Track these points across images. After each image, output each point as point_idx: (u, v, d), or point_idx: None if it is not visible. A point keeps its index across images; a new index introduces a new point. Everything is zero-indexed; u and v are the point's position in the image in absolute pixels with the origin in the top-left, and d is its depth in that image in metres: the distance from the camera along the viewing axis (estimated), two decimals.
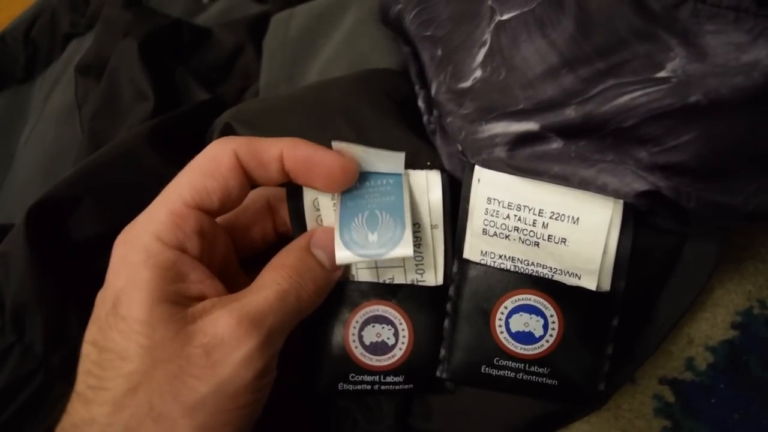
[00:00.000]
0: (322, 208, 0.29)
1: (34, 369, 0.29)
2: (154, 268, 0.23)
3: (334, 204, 0.29)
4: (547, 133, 0.27)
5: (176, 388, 0.22)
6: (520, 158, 0.27)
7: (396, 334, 0.29)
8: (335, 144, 0.27)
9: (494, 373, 0.29)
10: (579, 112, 0.26)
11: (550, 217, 0.28)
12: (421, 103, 0.33)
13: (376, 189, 0.28)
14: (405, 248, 0.27)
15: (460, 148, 0.29)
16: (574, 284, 0.28)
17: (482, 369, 0.29)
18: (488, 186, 0.28)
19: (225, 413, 0.23)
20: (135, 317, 0.22)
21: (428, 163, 0.30)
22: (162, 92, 0.41)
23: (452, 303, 0.29)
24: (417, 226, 0.29)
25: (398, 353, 0.29)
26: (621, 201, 0.27)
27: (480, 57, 0.28)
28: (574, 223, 0.28)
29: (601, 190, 0.26)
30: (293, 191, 0.29)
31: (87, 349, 0.24)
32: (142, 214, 0.25)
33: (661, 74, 0.24)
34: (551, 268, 0.29)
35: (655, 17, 0.24)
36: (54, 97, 0.50)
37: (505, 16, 0.27)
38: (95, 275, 0.31)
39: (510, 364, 0.28)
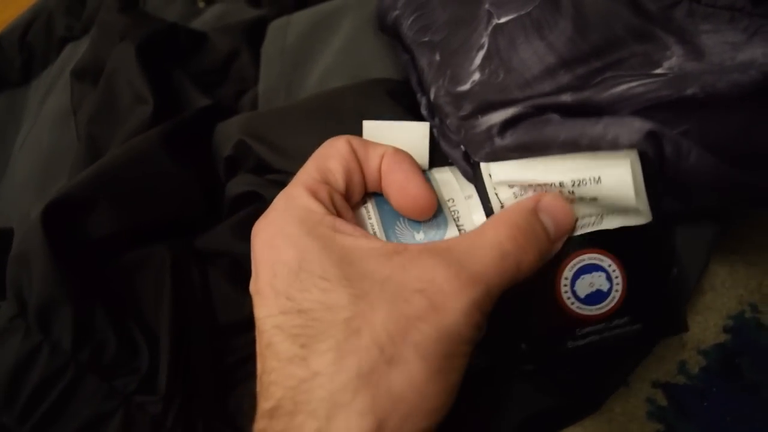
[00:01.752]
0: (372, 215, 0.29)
1: (63, 365, 0.29)
2: (320, 227, 0.24)
3: (371, 223, 0.29)
4: (543, 111, 0.27)
5: (405, 330, 0.21)
6: (522, 133, 0.27)
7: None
8: (366, 123, 0.30)
9: (581, 344, 0.28)
10: (575, 98, 0.26)
11: (573, 185, 0.27)
12: (423, 111, 0.33)
13: None
14: None
15: (463, 148, 0.30)
16: (617, 226, 0.28)
17: (568, 345, 0.28)
18: (502, 174, 0.28)
19: (453, 358, 0.22)
20: (334, 273, 0.22)
21: (450, 162, 0.31)
22: (161, 96, 0.41)
23: (513, 293, 0.28)
24: (452, 201, 0.29)
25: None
26: (635, 150, 0.26)
27: (478, 60, 0.28)
28: (597, 183, 0.26)
29: (613, 145, 0.25)
30: None
31: (281, 321, 0.23)
32: (274, 202, 0.26)
33: (659, 71, 0.24)
34: (596, 215, 0.28)
35: (652, 17, 0.24)
36: (49, 101, 0.50)
37: (503, 20, 0.27)
38: (113, 273, 0.32)
39: (591, 329, 0.28)
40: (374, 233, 0.28)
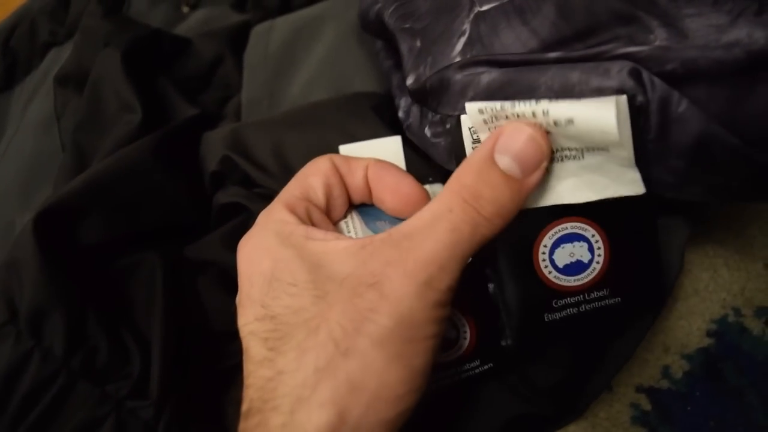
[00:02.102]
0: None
1: (55, 371, 0.29)
2: (293, 237, 0.25)
3: (346, 225, 0.29)
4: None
5: (358, 323, 0.22)
6: (504, 76, 0.26)
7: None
8: (342, 148, 0.30)
9: (558, 317, 0.27)
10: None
11: (546, 113, 0.23)
12: (401, 113, 0.33)
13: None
14: None
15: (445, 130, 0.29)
16: (604, 164, 0.25)
17: (545, 318, 0.27)
18: (476, 106, 0.25)
19: (413, 343, 0.22)
20: (302, 278, 0.23)
21: (430, 179, 0.31)
22: (147, 104, 0.41)
23: (491, 265, 0.28)
24: None
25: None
26: (623, 97, 0.24)
27: (459, 46, 0.28)
28: (574, 106, 0.23)
29: (598, 92, 0.24)
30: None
31: (255, 327, 0.24)
32: (257, 219, 0.27)
33: (644, 44, 0.24)
34: (576, 149, 0.25)
35: (635, 1, 0.24)
36: (32, 107, 0.49)
37: (485, 7, 0.27)
38: (105, 279, 0.32)
39: (569, 300, 0.27)
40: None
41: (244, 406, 0.23)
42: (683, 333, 0.35)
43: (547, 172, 0.25)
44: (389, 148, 0.31)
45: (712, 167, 0.25)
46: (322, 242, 0.25)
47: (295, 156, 0.30)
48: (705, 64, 0.23)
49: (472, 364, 0.29)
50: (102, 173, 0.34)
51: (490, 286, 0.28)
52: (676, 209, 0.31)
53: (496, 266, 0.27)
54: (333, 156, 0.29)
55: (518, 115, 0.23)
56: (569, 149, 0.25)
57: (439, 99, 0.29)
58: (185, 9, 0.51)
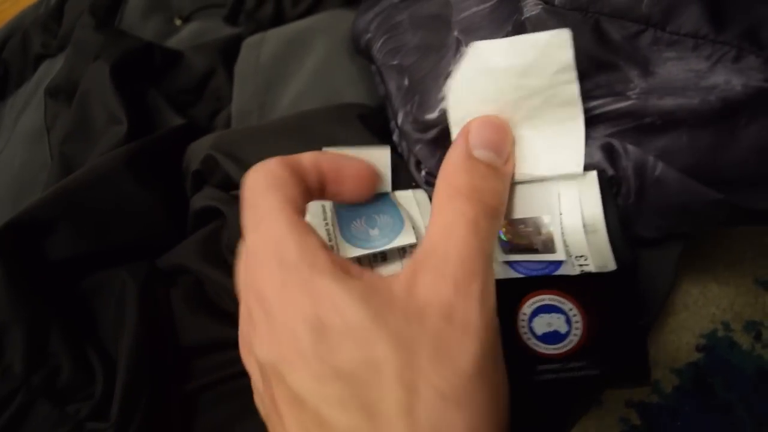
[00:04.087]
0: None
1: (14, 389, 0.29)
2: (328, 265, 0.21)
3: (326, 223, 0.29)
4: None
5: (453, 365, 0.20)
6: None
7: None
8: (325, 149, 0.29)
9: (536, 379, 0.28)
10: None
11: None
12: (395, 138, 0.33)
13: (368, 202, 0.29)
14: (408, 237, 0.27)
15: (430, 171, 0.30)
16: (579, 271, 0.27)
17: (524, 378, 0.28)
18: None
19: (499, 362, 0.22)
20: (358, 319, 0.20)
21: (413, 184, 0.31)
22: (135, 116, 0.41)
23: None
24: (414, 241, 0.29)
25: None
26: (592, 173, 0.26)
27: (446, 88, 0.28)
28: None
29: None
30: None
31: (317, 389, 0.20)
32: (258, 239, 0.23)
33: (623, 96, 0.25)
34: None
35: (616, 48, 0.24)
36: (23, 118, 0.49)
37: None
38: (72, 296, 0.31)
39: (547, 366, 0.28)
40: (329, 233, 0.28)
41: None
42: (673, 347, 0.35)
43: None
44: (377, 157, 0.30)
45: (694, 219, 0.27)
46: (364, 276, 0.22)
47: (278, 154, 0.30)
48: (682, 116, 0.24)
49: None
50: (72, 184, 0.33)
51: None
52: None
53: None
54: (280, 157, 0.25)
55: None
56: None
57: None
58: (178, 22, 0.51)
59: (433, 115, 0.28)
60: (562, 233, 0.27)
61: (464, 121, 0.26)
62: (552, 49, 0.24)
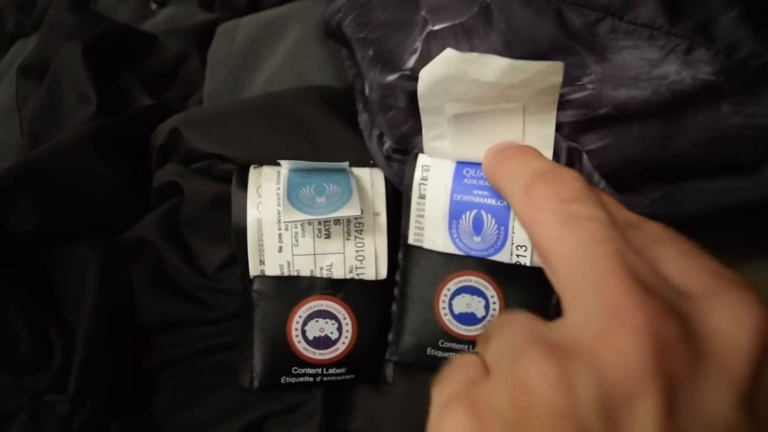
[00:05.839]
0: (264, 194, 0.30)
1: None
2: None
3: (278, 187, 0.29)
4: None
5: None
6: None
7: (340, 329, 0.29)
8: (283, 162, 0.29)
9: (439, 355, 0.29)
10: None
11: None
12: (360, 118, 0.34)
13: (322, 172, 0.30)
14: (353, 208, 0.28)
15: (391, 145, 0.30)
16: (515, 261, 0.28)
17: (428, 351, 0.29)
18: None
19: None
20: None
21: (371, 162, 0.32)
22: (105, 96, 0.40)
23: (399, 288, 0.30)
24: (360, 214, 0.29)
25: (341, 347, 0.29)
26: None
27: (411, 63, 0.29)
28: None
29: None
30: (241, 174, 0.30)
31: None
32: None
33: (579, 83, 0.26)
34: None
35: (576, 33, 0.25)
36: None
37: (437, 27, 0.28)
38: (33, 270, 0.31)
39: (454, 345, 0.29)
40: (278, 197, 0.29)
41: None
42: None
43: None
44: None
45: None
46: None
47: (242, 128, 0.31)
48: (635, 107, 0.25)
49: (337, 371, 0.30)
50: (34, 158, 0.33)
51: (394, 305, 0.30)
52: None
53: (404, 293, 0.30)
54: None
55: None
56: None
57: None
58: (153, 6, 0.51)
59: (393, 77, 0.29)
60: (512, 220, 0.28)
61: (438, 112, 0.27)
62: (544, 75, 0.24)
